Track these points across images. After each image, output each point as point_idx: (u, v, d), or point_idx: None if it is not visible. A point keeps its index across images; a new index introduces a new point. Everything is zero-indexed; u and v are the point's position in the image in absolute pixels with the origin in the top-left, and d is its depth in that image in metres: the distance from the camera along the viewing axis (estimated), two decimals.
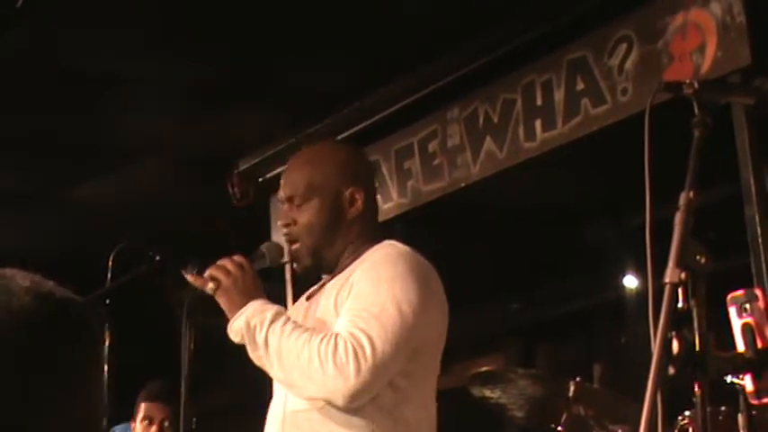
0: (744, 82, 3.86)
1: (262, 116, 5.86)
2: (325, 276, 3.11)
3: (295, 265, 3.11)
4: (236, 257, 2.99)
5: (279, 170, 6.12)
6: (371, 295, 2.82)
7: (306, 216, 3.03)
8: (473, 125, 5.20)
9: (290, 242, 3.05)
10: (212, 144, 6.10)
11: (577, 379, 3.82)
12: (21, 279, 1.41)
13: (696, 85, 2.15)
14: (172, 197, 6.66)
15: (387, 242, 3.03)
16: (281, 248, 3.09)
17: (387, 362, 2.74)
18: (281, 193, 3.12)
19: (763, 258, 3.87)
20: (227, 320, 2.97)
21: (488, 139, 5.11)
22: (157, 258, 4.22)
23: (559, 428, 3.82)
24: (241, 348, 3.47)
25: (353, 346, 2.72)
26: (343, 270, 3.00)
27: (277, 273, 6.21)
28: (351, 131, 5.67)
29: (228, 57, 5.26)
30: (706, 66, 4.17)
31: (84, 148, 6.15)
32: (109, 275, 4.18)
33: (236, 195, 6.20)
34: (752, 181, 3.95)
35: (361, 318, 2.77)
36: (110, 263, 4.19)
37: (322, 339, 2.75)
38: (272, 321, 2.85)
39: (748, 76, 3.96)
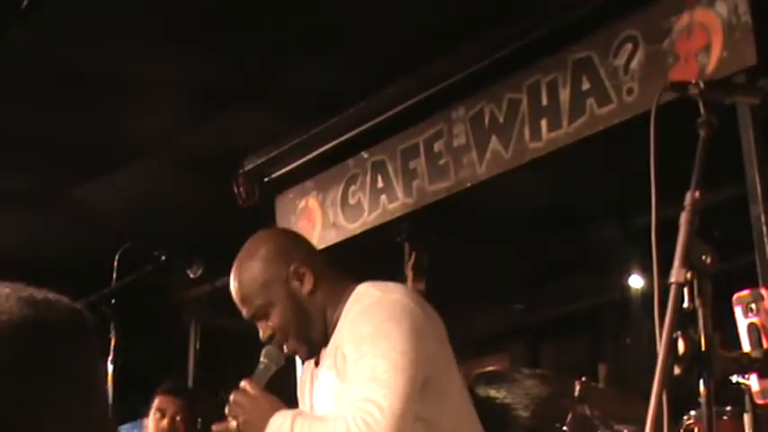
0: (749, 82, 3.86)
1: (267, 116, 5.86)
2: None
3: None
4: (242, 386, 3.06)
5: (285, 170, 6.14)
6: (361, 360, 2.87)
7: (277, 320, 3.08)
8: (479, 125, 5.19)
9: (282, 346, 3.12)
10: (218, 144, 6.10)
11: (583, 379, 3.82)
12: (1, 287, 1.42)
13: (701, 85, 2.15)
14: (176, 197, 6.66)
15: (359, 290, 3.07)
16: (278, 351, 3.14)
17: (400, 415, 2.78)
18: (245, 314, 3.16)
19: None
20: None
21: (494, 138, 5.11)
22: (162, 258, 4.23)
23: (565, 428, 3.82)
24: (243, 349, 3.49)
25: (362, 417, 2.77)
26: (333, 333, 3.07)
27: None
28: (356, 131, 5.67)
29: (234, 56, 5.26)
30: (711, 66, 4.17)
31: (88, 149, 6.15)
32: (114, 275, 4.19)
33: (242, 195, 6.20)
34: (757, 180, 3.95)
35: (359, 387, 2.83)
36: (115, 263, 4.20)
37: (334, 424, 2.81)
38: (290, 426, 2.92)
39: (754, 76, 3.95)
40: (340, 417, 2.81)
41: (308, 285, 3.08)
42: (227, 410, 3.06)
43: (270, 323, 3.09)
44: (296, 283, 3.08)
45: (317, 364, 3.18)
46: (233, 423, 3.04)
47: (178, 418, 5.19)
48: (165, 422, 5.20)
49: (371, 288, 3.05)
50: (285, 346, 3.11)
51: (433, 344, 2.97)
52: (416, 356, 2.86)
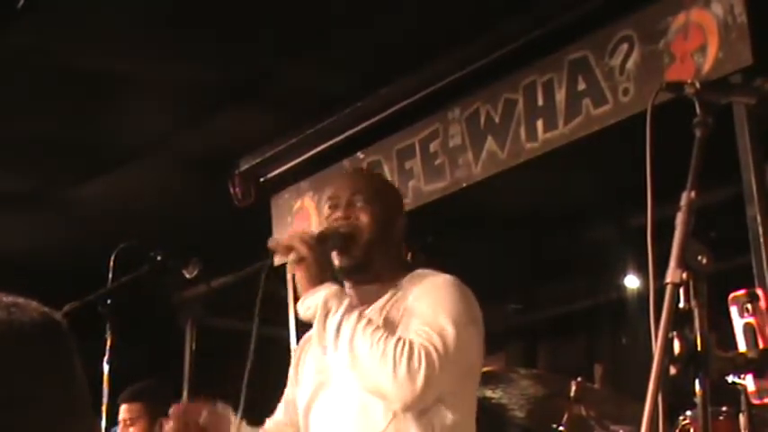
0: (745, 82, 3.85)
1: (263, 116, 5.86)
2: (348, 285, 3.12)
3: (338, 260, 3.08)
4: (308, 233, 3.04)
5: (280, 170, 6.14)
6: (434, 316, 2.87)
7: (368, 216, 3.06)
8: (474, 125, 5.20)
9: (347, 235, 3.06)
10: (214, 144, 6.10)
11: (578, 379, 3.83)
12: None
13: (697, 85, 2.15)
14: (173, 197, 6.66)
15: (424, 270, 3.09)
16: (342, 236, 3.08)
17: (444, 376, 2.81)
18: (337, 193, 3.15)
19: (764, 258, 3.86)
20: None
21: (490, 139, 5.11)
22: (158, 259, 4.22)
23: (561, 428, 3.83)
24: (239, 349, 3.48)
25: (426, 356, 2.77)
26: (385, 288, 3.05)
27: (281, 272, 6.22)
28: (352, 131, 5.67)
29: (229, 57, 5.26)
30: (707, 66, 4.17)
31: (85, 149, 6.15)
32: (110, 275, 4.19)
33: (238, 195, 6.20)
34: (753, 181, 3.95)
35: (427, 333, 2.82)
36: (111, 263, 4.19)
37: (398, 341, 2.79)
38: (348, 309, 2.89)
39: (750, 76, 3.95)
40: (407, 340, 2.80)
41: (398, 236, 3.14)
42: (288, 240, 3.01)
43: (358, 212, 3.07)
44: (397, 225, 3.13)
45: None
46: (293, 256, 2.97)
47: (145, 424, 5.21)
48: (132, 429, 5.24)
49: (432, 272, 3.09)
50: (340, 247, 3.05)
51: (481, 344, 3.03)
52: (473, 344, 2.95)
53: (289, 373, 3.31)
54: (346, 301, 2.90)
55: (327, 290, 2.92)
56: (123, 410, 5.32)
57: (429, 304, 2.92)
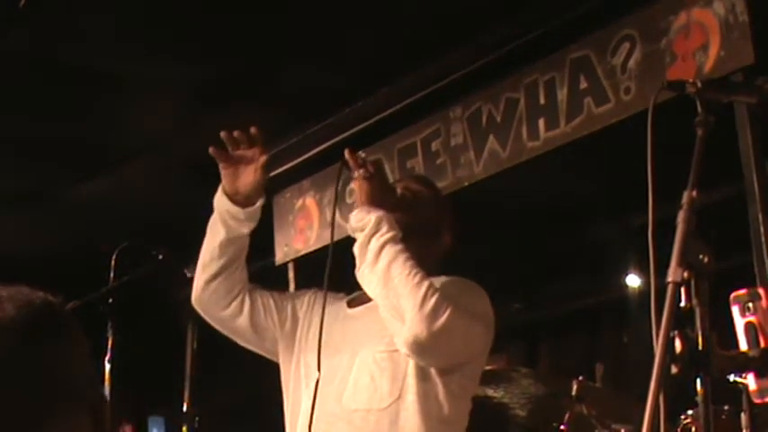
0: (747, 81, 3.85)
1: (263, 115, 5.84)
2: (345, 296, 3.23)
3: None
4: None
5: (279, 170, 6.14)
6: (456, 296, 2.96)
7: (413, 218, 3.13)
8: (476, 124, 5.19)
9: (402, 198, 3.15)
10: (212, 144, 6.08)
11: (580, 378, 3.83)
12: None
13: (699, 84, 2.15)
14: (173, 196, 6.66)
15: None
16: (397, 197, 3.16)
17: (454, 343, 2.91)
18: (407, 183, 3.25)
19: (766, 257, 3.86)
20: None
21: (491, 138, 5.10)
22: (160, 258, 4.22)
23: (562, 427, 3.83)
24: (240, 349, 3.48)
25: (451, 313, 2.85)
26: None
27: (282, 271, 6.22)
28: (353, 130, 5.67)
29: (229, 56, 5.26)
30: (709, 65, 4.16)
31: (84, 148, 6.15)
32: (111, 274, 4.19)
33: None
34: (755, 180, 3.95)
35: (455, 302, 2.91)
36: (112, 262, 4.19)
37: (432, 285, 2.88)
38: (396, 238, 2.97)
39: (751, 74, 3.94)
40: (438, 291, 2.89)
41: (438, 247, 3.22)
42: (362, 156, 3.09)
43: (413, 195, 3.17)
44: (443, 236, 3.22)
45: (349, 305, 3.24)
46: (363, 171, 3.07)
47: None
48: None
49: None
50: (392, 203, 3.12)
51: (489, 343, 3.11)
52: (487, 338, 3.06)
53: (290, 292, 3.36)
54: (397, 231, 2.98)
55: (384, 214, 3.01)
56: None
57: (458, 288, 3.04)
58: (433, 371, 2.97)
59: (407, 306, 2.84)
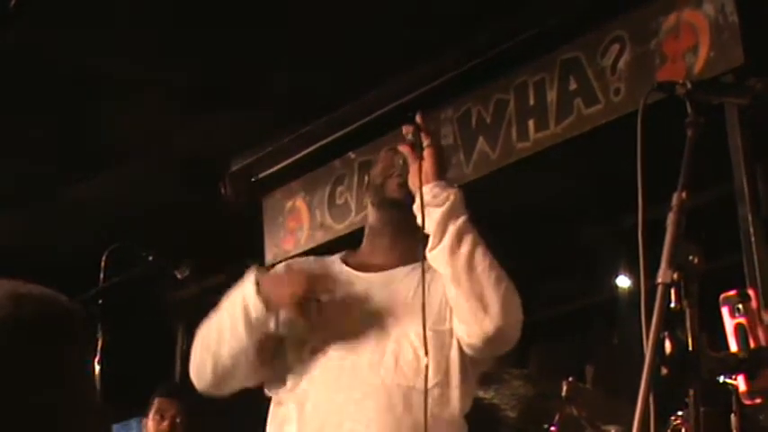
0: (737, 82, 3.86)
1: (255, 116, 5.85)
2: (338, 258, 3.11)
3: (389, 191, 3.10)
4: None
5: (272, 170, 6.14)
6: None
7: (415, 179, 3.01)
8: (466, 125, 5.19)
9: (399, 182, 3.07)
10: (205, 144, 6.09)
11: (570, 379, 3.82)
12: None
13: (689, 85, 2.15)
14: (163, 198, 6.64)
15: None
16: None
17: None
18: (404, 144, 3.15)
19: (755, 258, 3.87)
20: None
21: (481, 139, 5.11)
22: (150, 259, 4.21)
23: (552, 429, 3.82)
24: None
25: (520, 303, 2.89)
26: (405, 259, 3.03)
27: None
28: (344, 132, 5.66)
29: (221, 57, 5.26)
30: (699, 66, 4.17)
31: (76, 148, 6.14)
32: (102, 276, 4.18)
33: (229, 196, 6.19)
34: (744, 181, 3.95)
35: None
36: (102, 263, 4.18)
37: (509, 278, 2.90)
38: (471, 220, 2.94)
39: (741, 76, 3.95)
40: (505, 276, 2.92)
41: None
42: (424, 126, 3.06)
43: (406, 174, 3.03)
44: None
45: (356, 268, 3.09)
46: (430, 141, 3.04)
47: (178, 420, 5.20)
48: (165, 424, 5.20)
49: None
50: (396, 186, 3.06)
51: None
52: None
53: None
54: (468, 212, 2.94)
55: (458, 190, 2.95)
56: (158, 403, 5.30)
57: None
58: (468, 360, 2.92)
59: (490, 296, 2.82)
